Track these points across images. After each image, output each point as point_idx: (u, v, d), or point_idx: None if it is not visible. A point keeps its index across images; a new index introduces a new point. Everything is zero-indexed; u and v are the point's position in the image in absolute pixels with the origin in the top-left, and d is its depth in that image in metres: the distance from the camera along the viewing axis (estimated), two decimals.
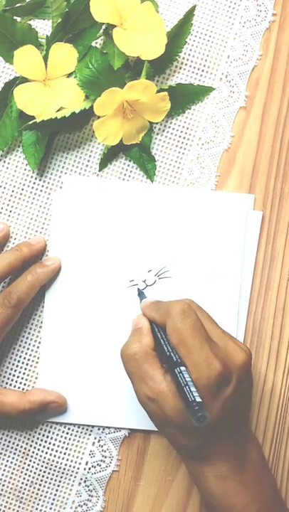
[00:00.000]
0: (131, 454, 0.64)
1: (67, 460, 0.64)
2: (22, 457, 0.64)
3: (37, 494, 0.64)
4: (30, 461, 0.64)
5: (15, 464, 0.64)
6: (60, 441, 0.64)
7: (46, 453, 0.64)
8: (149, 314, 0.59)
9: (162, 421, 0.55)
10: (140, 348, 0.56)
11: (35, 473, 0.64)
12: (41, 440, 0.64)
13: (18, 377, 0.65)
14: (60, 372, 0.64)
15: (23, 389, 0.64)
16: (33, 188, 0.65)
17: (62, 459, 0.64)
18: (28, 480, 0.64)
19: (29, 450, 0.64)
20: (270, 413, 0.64)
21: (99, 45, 0.64)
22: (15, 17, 0.61)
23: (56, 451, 0.64)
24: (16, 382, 0.65)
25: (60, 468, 0.64)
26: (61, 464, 0.64)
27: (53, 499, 0.64)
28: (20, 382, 0.65)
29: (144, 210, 0.64)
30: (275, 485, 0.60)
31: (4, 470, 0.64)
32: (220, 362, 0.53)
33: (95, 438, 0.64)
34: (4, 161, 0.65)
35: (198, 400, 0.51)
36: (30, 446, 0.64)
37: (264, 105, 0.66)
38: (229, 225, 0.64)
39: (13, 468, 0.64)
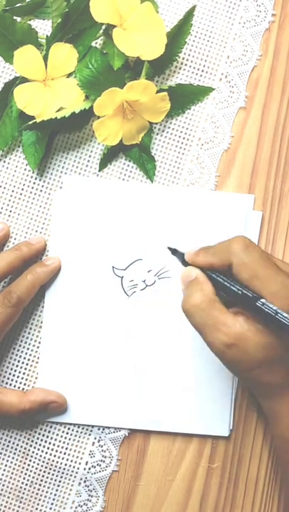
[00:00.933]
0: (131, 453, 0.64)
1: (67, 460, 0.64)
2: (22, 457, 0.64)
3: (37, 494, 0.64)
4: (30, 461, 0.64)
5: (15, 464, 0.64)
6: (60, 441, 0.64)
7: (46, 453, 0.64)
8: (203, 260, 0.56)
9: (245, 364, 0.53)
10: (204, 296, 0.54)
11: (35, 473, 0.64)
12: (41, 440, 0.64)
13: (18, 377, 0.65)
14: (60, 372, 0.64)
15: (23, 389, 0.64)
16: (33, 188, 0.65)
17: (62, 459, 0.64)
18: (28, 480, 0.64)
19: (29, 450, 0.64)
20: None
21: (99, 45, 0.64)
22: (15, 17, 0.61)
23: (56, 451, 0.64)
24: (16, 382, 0.65)
25: (60, 468, 0.64)
26: (61, 463, 0.64)
27: (53, 499, 0.64)
28: (20, 382, 0.64)
29: (143, 210, 0.64)
30: None
31: (4, 470, 0.64)
32: None
33: (95, 438, 0.64)
34: (4, 161, 0.66)
35: None
36: (30, 446, 0.64)
37: (264, 105, 0.66)
38: (229, 225, 0.64)
39: (13, 468, 0.64)
